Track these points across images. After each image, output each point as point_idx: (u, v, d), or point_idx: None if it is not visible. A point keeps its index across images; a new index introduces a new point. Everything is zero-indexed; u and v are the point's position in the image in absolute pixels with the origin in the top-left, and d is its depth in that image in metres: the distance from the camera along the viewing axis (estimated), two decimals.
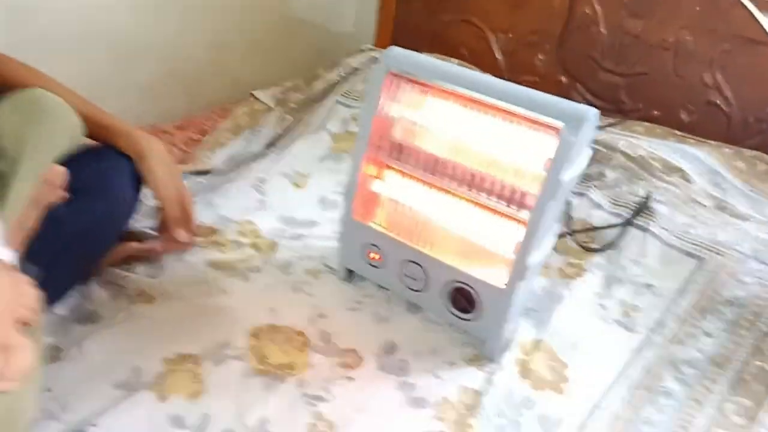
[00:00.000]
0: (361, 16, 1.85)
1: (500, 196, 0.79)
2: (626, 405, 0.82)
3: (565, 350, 0.90)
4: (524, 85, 1.40)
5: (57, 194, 0.77)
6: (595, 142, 1.18)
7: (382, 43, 1.72)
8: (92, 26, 1.29)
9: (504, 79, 1.44)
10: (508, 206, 0.79)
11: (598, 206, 1.12)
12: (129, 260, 0.94)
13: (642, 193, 1.12)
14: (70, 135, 0.81)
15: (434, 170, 0.84)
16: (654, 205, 1.09)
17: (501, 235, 0.81)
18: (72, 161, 0.80)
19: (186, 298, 0.90)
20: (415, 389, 0.81)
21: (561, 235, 1.08)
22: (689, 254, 1.02)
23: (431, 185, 0.85)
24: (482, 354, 0.87)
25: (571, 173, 0.74)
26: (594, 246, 1.06)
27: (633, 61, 1.34)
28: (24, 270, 0.63)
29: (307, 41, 1.80)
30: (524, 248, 0.77)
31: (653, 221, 1.07)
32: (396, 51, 0.84)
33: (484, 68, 1.52)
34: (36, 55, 1.06)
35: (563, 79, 1.44)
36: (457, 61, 1.49)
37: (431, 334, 0.90)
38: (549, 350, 0.89)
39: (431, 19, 1.62)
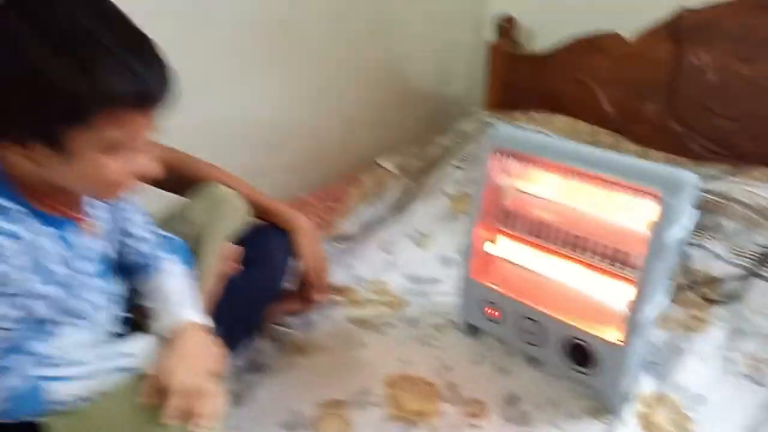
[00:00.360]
0: (470, 80, 1.99)
1: (608, 257, 0.86)
2: None
3: (689, 404, 0.92)
4: (636, 135, 1.45)
5: (232, 268, 0.97)
6: (710, 192, 1.19)
7: (491, 103, 1.83)
8: (248, 119, 1.55)
9: (614, 130, 1.49)
10: (616, 266, 0.85)
11: (717, 257, 1.12)
12: (283, 315, 1.12)
13: (762, 241, 1.10)
14: (241, 218, 1.01)
15: (543, 234, 0.93)
16: None
17: (612, 293, 0.87)
18: (242, 239, 1.00)
19: (332, 351, 1.05)
20: None
21: (681, 288, 1.09)
22: None
23: (541, 247, 0.94)
24: (602, 406, 0.92)
25: (674, 234, 0.79)
26: (716, 297, 1.06)
27: (746, 106, 1.32)
28: (210, 329, 0.80)
29: (423, 108, 1.97)
30: (635, 306, 0.82)
31: None
32: (500, 129, 0.95)
33: (594, 121, 1.57)
34: (211, 144, 1.33)
35: (677, 127, 1.45)
36: (564, 117, 1.56)
37: (551, 386, 0.97)
38: (671, 404, 0.92)
39: (538, 78, 1.71)
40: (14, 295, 0.61)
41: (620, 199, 0.84)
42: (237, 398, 0.95)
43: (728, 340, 1.00)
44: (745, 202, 1.16)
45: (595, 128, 1.51)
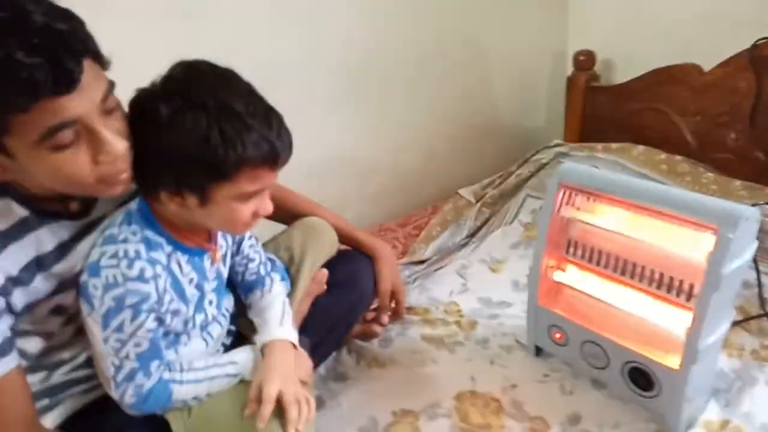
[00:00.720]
0: (551, 113, 2.05)
1: (667, 286, 0.90)
2: None
3: None
4: (717, 162, 1.46)
5: (321, 289, 1.11)
6: None
7: (571, 135, 1.88)
8: (335, 154, 1.71)
9: (696, 159, 1.50)
10: (676, 295, 0.89)
11: None
12: (363, 335, 1.24)
13: None
14: (331, 246, 1.14)
15: (606, 263, 0.99)
16: None
17: (671, 321, 0.91)
18: (330, 263, 1.13)
19: (407, 365, 1.15)
20: None
21: (755, 317, 1.09)
22: None
23: (604, 275, 0.99)
24: (664, 430, 0.95)
25: (731, 265, 0.82)
26: None
27: None
28: (300, 343, 0.93)
29: (504, 140, 2.05)
30: (693, 334, 0.86)
31: None
32: (567, 165, 1.03)
33: (674, 150, 1.58)
34: (305, 177, 1.49)
35: (760, 155, 1.43)
36: (642, 147, 1.58)
37: (614, 408, 1.01)
38: (737, 431, 0.93)
39: (617, 109, 1.74)
40: (159, 311, 0.76)
41: (679, 231, 0.88)
42: (321, 403, 1.07)
43: None
44: None
45: (672, 157, 1.52)
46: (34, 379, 0.84)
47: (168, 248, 0.78)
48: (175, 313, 0.80)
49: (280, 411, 0.79)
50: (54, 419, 0.84)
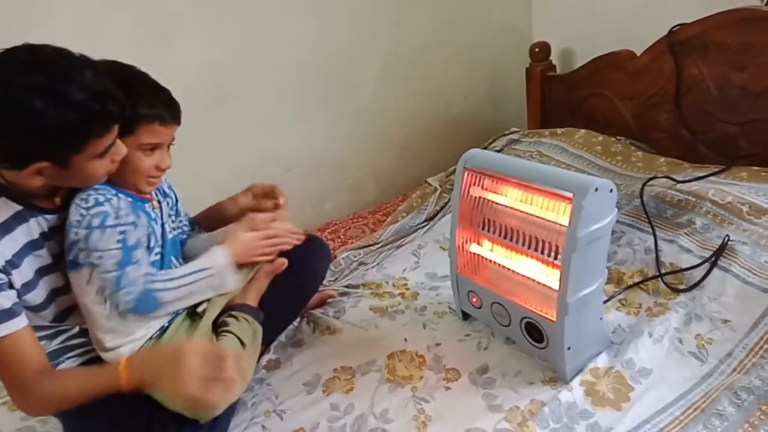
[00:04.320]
0: (518, 102, 2.18)
1: (547, 251, 1.05)
2: (676, 422, 0.96)
3: (636, 377, 1.06)
4: (653, 141, 1.58)
5: (279, 270, 1.30)
6: (686, 192, 1.29)
7: (533, 123, 2.01)
8: (312, 151, 1.90)
9: (635, 138, 1.62)
10: (553, 258, 1.04)
11: (688, 251, 1.22)
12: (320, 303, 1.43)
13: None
14: None
15: (506, 235, 1.14)
16: (738, 246, 1.16)
17: (549, 279, 1.06)
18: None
19: (353, 331, 1.33)
20: (495, 399, 1.08)
21: (651, 278, 1.22)
22: (766, 291, 1.07)
23: (506, 246, 1.15)
24: (557, 377, 1.10)
25: (587, 229, 0.97)
26: (680, 287, 1.18)
27: (744, 111, 1.38)
28: (257, 314, 1.15)
29: (475, 130, 2.19)
30: (561, 289, 1.01)
31: (735, 262, 1.13)
32: (471, 152, 1.19)
33: (619, 132, 1.70)
34: (280, 174, 1.68)
35: (685, 133, 1.53)
36: (584, 131, 1.71)
37: (519, 360, 1.16)
38: (619, 376, 1.07)
39: (569, 96, 1.86)
40: (120, 223, 0.97)
41: (551, 203, 1.03)
42: (277, 364, 1.27)
43: (683, 324, 1.12)
44: (715, 200, 1.25)
45: (609, 138, 1.64)
46: (47, 346, 1.07)
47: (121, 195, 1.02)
48: (135, 226, 1.00)
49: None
50: None
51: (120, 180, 1.04)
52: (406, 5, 1.91)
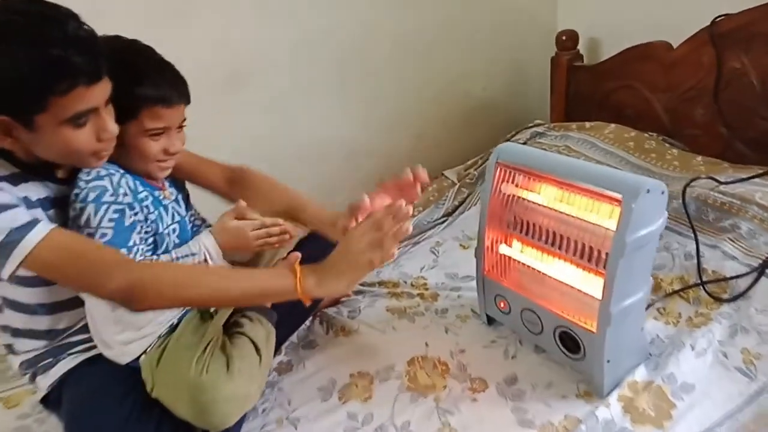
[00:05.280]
0: (540, 92, 2.09)
1: (587, 256, 0.97)
2: None
3: (678, 393, 0.99)
4: (687, 138, 1.50)
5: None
6: (730, 194, 1.21)
7: (556, 114, 1.92)
8: (326, 139, 1.81)
9: (668, 134, 1.53)
10: (594, 264, 0.96)
11: (732, 258, 1.14)
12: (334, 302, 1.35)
13: None
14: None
15: (541, 236, 1.06)
16: None
17: (590, 287, 0.98)
18: (301, 243, 1.24)
19: (370, 333, 1.26)
20: (526, 413, 1.01)
21: (692, 286, 1.14)
22: None
23: (540, 248, 1.07)
24: (591, 390, 1.02)
25: (636, 234, 0.89)
26: (724, 296, 1.10)
27: None
28: (270, 315, 1.08)
29: (494, 120, 2.10)
30: (605, 298, 0.93)
31: None
32: (504, 146, 1.10)
33: (649, 127, 1.61)
34: (291, 162, 1.60)
35: (723, 130, 1.45)
36: (614, 126, 1.62)
37: (550, 370, 1.09)
38: (659, 392, 0.99)
39: (597, 88, 1.77)
40: (116, 201, 0.91)
41: (594, 203, 0.95)
42: (288, 367, 1.19)
43: (728, 336, 1.04)
44: (763, 204, 1.17)
45: (642, 134, 1.55)
46: (39, 345, 0.99)
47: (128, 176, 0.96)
48: (132, 207, 0.94)
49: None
50: (54, 374, 0.99)
51: (130, 165, 0.97)
52: None
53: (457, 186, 1.75)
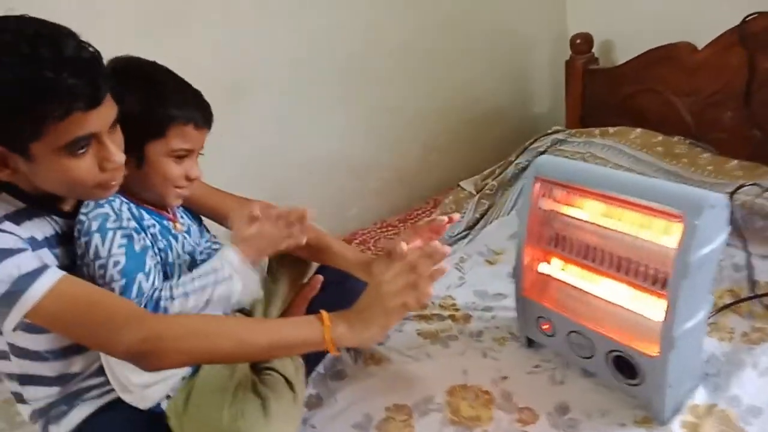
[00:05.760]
0: (553, 97, 2.03)
1: (643, 276, 0.91)
2: None
3: (744, 416, 0.92)
4: (715, 142, 1.45)
5: (314, 291, 1.15)
6: None
7: (572, 119, 1.86)
8: (333, 152, 1.74)
9: (694, 138, 1.48)
10: (651, 284, 0.90)
11: None
12: None
13: None
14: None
15: (586, 254, 1.00)
16: None
17: (648, 309, 0.92)
18: (322, 265, 1.18)
19: (402, 361, 1.18)
20: None
21: (745, 299, 1.08)
22: None
23: (585, 266, 1.00)
24: (651, 416, 0.96)
25: (700, 252, 0.83)
26: None
27: None
28: None
29: (505, 128, 2.05)
30: (668, 321, 0.87)
31: None
32: (543, 159, 1.04)
33: (673, 131, 1.56)
34: (296, 176, 1.52)
35: (757, 133, 1.40)
36: (640, 130, 1.56)
37: (603, 396, 1.02)
38: (724, 416, 0.93)
39: (615, 92, 1.72)
40: (122, 226, 0.85)
41: (650, 220, 0.89)
42: (318, 401, 1.12)
43: None
44: None
45: (670, 138, 1.50)
46: (50, 392, 0.91)
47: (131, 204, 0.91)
48: (138, 232, 0.87)
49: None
50: (68, 423, 0.92)
51: (143, 191, 0.91)
52: None
53: (476, 198, 1.69)
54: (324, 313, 0.83)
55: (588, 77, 1.79)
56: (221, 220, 1.10)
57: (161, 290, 0.85)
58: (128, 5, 1.30)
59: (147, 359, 0.76)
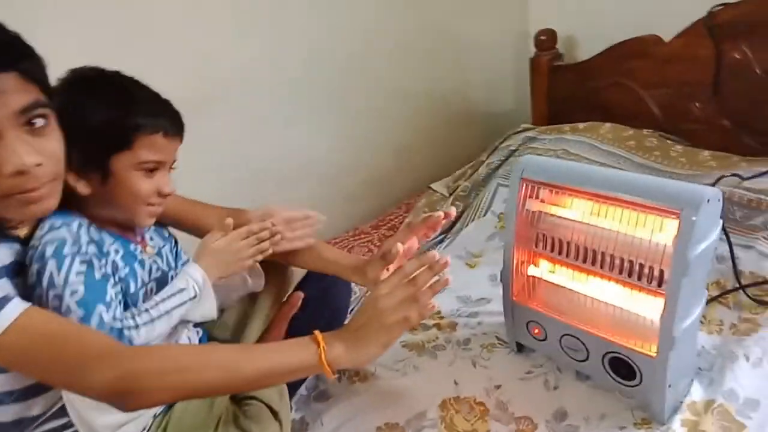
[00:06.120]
0: (519, 95, 2.02)
1: (637, 274, 0.88)
2: None
3: (742, 410, 0.91)
4: (685, 133, 1.44)
5: (294, 310, 1.09)
6: (756, 191, 1.16)
7: (539, 117, 1.85)
8: (305, 158, 1.67)
9: (663, 130, 1.48)
10: (647, 282, 0.87)
11: None
12: None
13: None
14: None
15: (577, 255, 0.97)
16: None
17: (645, 308, 0.89)
18: (303, 280, 1.11)
19: (389, 376, 1.13)
20: None
21: (731, 291, 1.08)
22: None
23: (576, 267, 0.97)
24: (651, 417, 0.93)
25: (698, 248, 0.81)
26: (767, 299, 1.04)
27: None
28: None
29: (474, 128, 2.02)
30: (667, 320, 0.84)
31: None
32: (527, 159, 1.00)
33: (643, 125, 1.56)
34: (276, 178, 1.45)
35: (726, 123, 1.41)
36: (610, 125, 1.56)
37: (600, 399, 0.99)
38: (723, 411, 0.92)
39: (582, 87, 1.72)
40: (80, 252, 0.77)
41: (644, 217, 0.86)
42: (304, 425, 1.05)
43: None
44: None
45: (640, 132, 1.50)
46: None
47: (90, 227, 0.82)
48: (99, 258, 0.79)
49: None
50: None
51: (109, 210, 0.82)
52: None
53: (450, 200, 1.65)
54: (318, 333, 0.77)
55: (553, 73, 1.78)
56: (200, 232, 1.02)
57: (122, 320, 0.77)
58: (98, 3, 1.22)
59: (124, 399, 0.68)
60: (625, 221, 0.89)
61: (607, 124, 1.56)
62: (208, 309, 0.89)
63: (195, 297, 0.85)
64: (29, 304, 0.68)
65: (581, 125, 1.60)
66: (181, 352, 0.75)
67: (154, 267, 0.88)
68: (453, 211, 0.93)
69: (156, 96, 0.83)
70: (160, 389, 0.69)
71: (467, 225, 1.54)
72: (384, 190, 1.86)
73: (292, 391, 1.09)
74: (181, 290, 0.84)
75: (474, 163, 1.76)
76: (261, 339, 1.08)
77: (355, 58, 1.67)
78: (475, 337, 1.18)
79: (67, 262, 0.74)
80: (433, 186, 1.77)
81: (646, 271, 0.88)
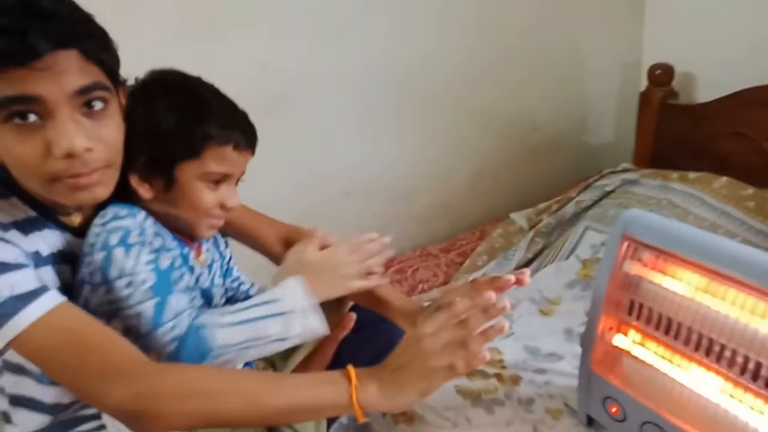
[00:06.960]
0: (620, 128, 1.86)
1: (752, 374, 0.74)
2: None
3: None
4: None
5: (346, 332, 1.01)
6: None
7: (641, 156, 1.69)
8: (376, 174, 1.60)
9: None
10: (760, 384, 0.73)
11: None
12: None
13: None
14: None
15: (677, 334, 0.83)
16: None
17: (752, 415, 0.75)
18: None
19: (438, 423, 1.03)
20: None
21: None
22: None
23: (674, 349, 0.84)
24: None
25: None
26: None
27: None
28: None
29: (564, 159, 1.88)
30: None
31: None
32: (633, 213, 0.87)
33: (763, 183, 1.38)
34: (340, 198, 1.39)
35: None
36: (726, 179, 1.39)
37: None
38: None
39: (695, 131, 1.55)
40: (147, 242, 0.74)
41: (757, 303, 0.72)
42: None
43: None
44: None
45: (763, 192, 1.32)
46: (41, 420, 0.81)
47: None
48: (167, 250, 0.76)
49: None
50: None
51: (169, 217, 0.79)
52: (487, 12, 1.60)
53: (530, 235, 1.53)
54: (351, 369, 0.68)
55: (665, 112, 1.61)
56: (257, 245, 0.97)
57: (201, 317, 0.73)
58: (165, 2, 1.19)
59: (139, 420, 0.63)
60: (747, 307, 0.75)
61: (723, 178, 1.39)
62: (311, 334, 0.80)
63: (289, 313, 0.76)
64: (64, 298, 0.66)
65: (692, 175, 1.43)
66: (207, 376, 0.69)
67: (201, 278, 0.84)
68: (527, 278, 0.81)
69: (232, 107, 0.79)
70: (178, 414, 0.63)
71: (545, 266, 1.41)
72: (456, 214, 1.76)
73: (330, 420, 1.02)
74: (273, 301, 0.77)
75: (561, 198, 1.62)
76: (307, 360, 1.01)
77: (442, 80, 1.59)
78: (540, 398, 1.06)
79: (134, 250, 0.71)
80: (513, 216, 1.65)
81: (763, 372, 0.73)
